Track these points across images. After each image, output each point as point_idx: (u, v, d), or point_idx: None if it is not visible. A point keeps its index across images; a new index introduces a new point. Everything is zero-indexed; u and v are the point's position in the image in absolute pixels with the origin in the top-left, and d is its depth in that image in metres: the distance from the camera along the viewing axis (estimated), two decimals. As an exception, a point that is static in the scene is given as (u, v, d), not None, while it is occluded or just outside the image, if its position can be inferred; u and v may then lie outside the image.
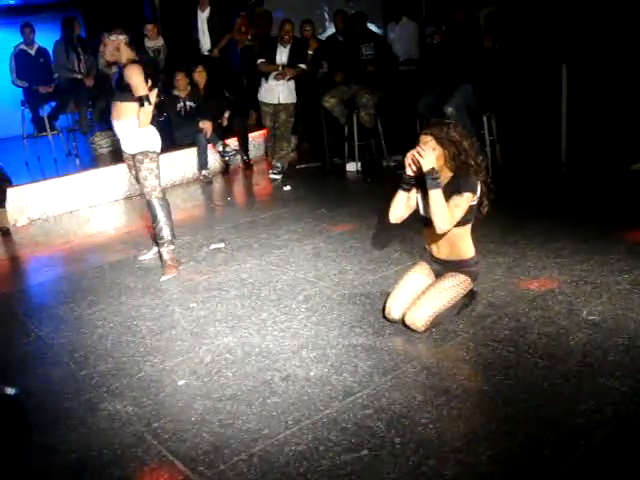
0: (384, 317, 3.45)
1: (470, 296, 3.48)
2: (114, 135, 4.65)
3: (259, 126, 7.95)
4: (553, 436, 2.41)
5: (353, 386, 2.87)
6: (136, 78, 4.23)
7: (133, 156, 4.44)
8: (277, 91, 7.08)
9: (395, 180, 3.48)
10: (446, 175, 3.24)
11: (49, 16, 9.92)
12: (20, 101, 8.28)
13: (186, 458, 2.50)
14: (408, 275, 3.50)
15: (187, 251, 4.96)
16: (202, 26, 8.27)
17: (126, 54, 4.33)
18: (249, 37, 8.29)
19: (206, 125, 7.26)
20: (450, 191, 3.17)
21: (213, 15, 8.23)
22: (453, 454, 2.36)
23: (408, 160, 3.24)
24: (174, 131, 7.39)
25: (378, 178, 6.83)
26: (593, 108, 6.56)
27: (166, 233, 4.51)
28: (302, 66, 7.10)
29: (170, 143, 7.21)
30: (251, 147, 7.97)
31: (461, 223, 3.25)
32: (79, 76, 8.20)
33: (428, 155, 3.12)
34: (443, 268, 3.42)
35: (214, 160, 7.63)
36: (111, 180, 6.89)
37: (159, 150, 4.48)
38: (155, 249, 4.77)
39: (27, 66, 8.06)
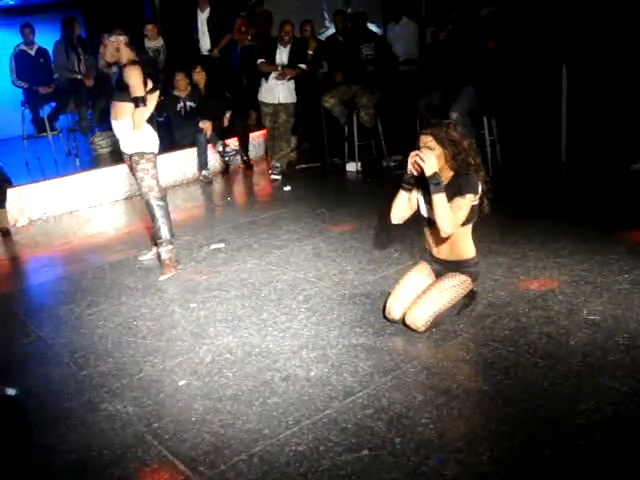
0: (384, 317, 3.45)
1: (470, 296, 3.48)
2: (114, 135, 4.65)
3: (259, 126, 7.95)
4: (553, 436, 2.41)
5: (353, 386, 2.88)
6: (135, 79, 4.23)
7: (130, 156, 4.44)
8: (277, 91, 7.08)
9: (395, 180, 3.48)
10: (447, 175, 3.24)
11: (49, 16, 9.92)
12: (20, 101, 8.29)
13: (186, 458, 2.50)
14: (408, 275, 3.50)
15: (187, 251, 4.96)
16: (202, 26, 8.26)
17: (126, 55, 4.33)
18: (249, 37, 8.29)
19: (206, 125, 7.27)
20: (452, 192, 3.17)
21: (213, 15, 8.22)
22: (453, 454, 2.36)
23: (411, 160, 3.23)
24: (174, 131, 7.40)
25: (378, 178, 6.84)
26: (593, 108, 6.56)
27: (164, 233, 4.51)
28: (302, 66, 7.10)
29: (170, 143, 7.23)
30: (251, 147, 7.98)
31: (462, 223, 3.25)
32: (79, 76, 8.20)
33: (430, 159, 3.11)
34: (443, 268, 3.42)
35: (214, 160, 7.63)
36: (111, 180, 6.89)
37: (156, 151, 4.48)
38: (155, 249, 4.77)
39: (27, 66, 8.06)
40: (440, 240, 3.36)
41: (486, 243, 4.27)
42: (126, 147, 4.44)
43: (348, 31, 7.83)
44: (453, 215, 3.16)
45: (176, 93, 7.43)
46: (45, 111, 8.15)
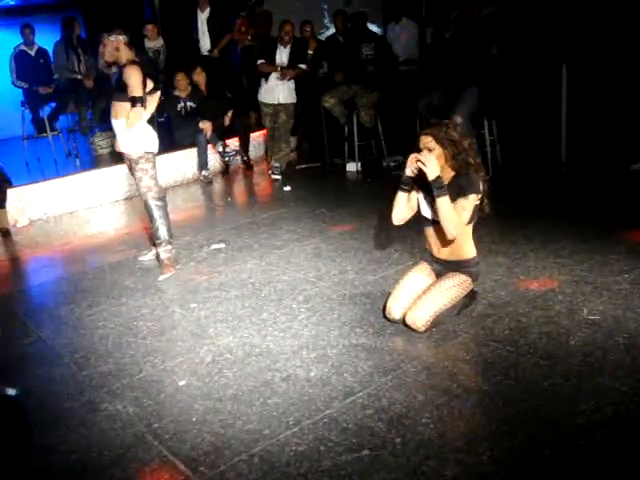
0: (384, 317, 3.45)
1: (470, 296, 3.48)
2: (114, 135, 4.64)
3: (259, 126, 7.95)
4: (553, 436, 2.41)
5: (354, 386, 2.88)
6: (134, 79, 4.23)
7: (130, 156, 4.44)
8: (277, 91, 7.07)
9: (395, 180, 3.48)
10: (447, 175, 3.24)
11: (49, 17, 9.92)
12: (20, 102, 8.28)
13: (187, 458, 2.51)
14: (408, 275, 3.50)
15: (187, 251, 4.97)
16: (202, 26, 8.26)
17: (125, 54, 4.34)
18: (249, 37, 8.28)
19: (206, 125, 7.27)
20: (455, 193, 3.17)
21: (213, 15, 8.22)
22: (453, 454, 2.36)
23: (410, 162, 3.24)
24: (174, 131, 7.40)
25: (378, 178, 6.84)
26: (593, 108, 6.56)
27: (163, 233, 4.52)
28: (302, 66, 7.10)
29: (170, 143, 7.23)
30: (251, 147, 7.98)
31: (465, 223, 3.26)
32: (79, 77, 8.20)
33: (432, 163, 3.11)
34: (444, 268, 3.42)
35: (214, 160, 7.63)
36: (111, 181, 6.89)
37: (156, 151, 4.48)
38: (155, 249, 4.77)
39: (27, 67, 8.06)
40: (440, 240, 3.37)
41: (486, 243, 4.27)
42: (126, 147, 4.44)
43: (348, 31, 7.83)
44: (458, 217, 3.16)
45: (176, 93, 7.43)
46: (45, 111, 8.14)
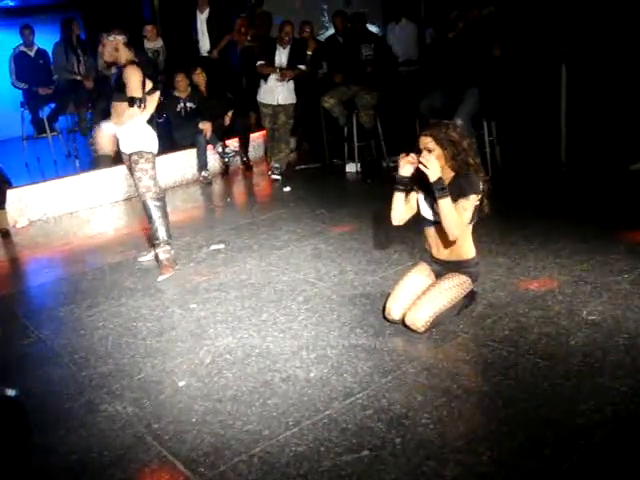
0: (384, 318, 3.45)
1: (470, 296, 3.48)
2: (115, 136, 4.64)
3: (259, 127, 7.95)
4: (553, 436, 2.41)
5: (353, 387, 2.88)
6: (134, 79, 4.24)
7: (130, 156, 4.44)
8: (276, 92, 7.07)
9: (394, 181, 3.47)
10: (447, 175, 3.24)
11: (49, 18, 9.91)
12: (20, 102, 8.28)
13: (187, 459, 2.50)
14: (408, 276, 3.50)
15: (187, 252, 4.97)
16: (201, 27, 8.26)
17: (125, 55, 4.34)
18: (248, 38, 8.29)
19: (206, 126, 7.27)
20: (455, 194, 3.17)
21: (212, 16, 8.22)
22: (453, 454, 2.36)
23: (403, 162, 3.26)
24: (174, 132, 7.40)
25: (378, 179, 6.83)
26: (593, 108, 6.56)
27: (162, 234, 4.52)
28: (301, 67, 7.10)
29: (170, 144, 7.23)
30: (250, 148, 7.98)
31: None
32: (79, 77, 8.20)
33: (433, 165, 3.11)
34: (443, 268, 3.42)
35: (214, 161, 7.63)
36: (111, 181, 6.89)
37: (155, 151, 4.48)
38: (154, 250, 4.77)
39: (27, 68, 8.06)
40: (440, 241, 3.37)
41: (486, 243, 4.27)
42: (125, 146, 4.45)
43: (348, 32, 7.83)
44: (459, 217, 3.16)
45: (176, 94, 7.42)
46: (45, 112, 8.15)
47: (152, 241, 4.66)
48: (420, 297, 3.31)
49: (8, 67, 8.06)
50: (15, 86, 8.14)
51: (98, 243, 5.60)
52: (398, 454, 2.40)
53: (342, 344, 3.28)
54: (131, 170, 4.51)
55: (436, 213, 3.27)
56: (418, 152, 3.23)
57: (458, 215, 3.17)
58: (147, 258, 4.85)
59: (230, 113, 7.64)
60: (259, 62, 7.10)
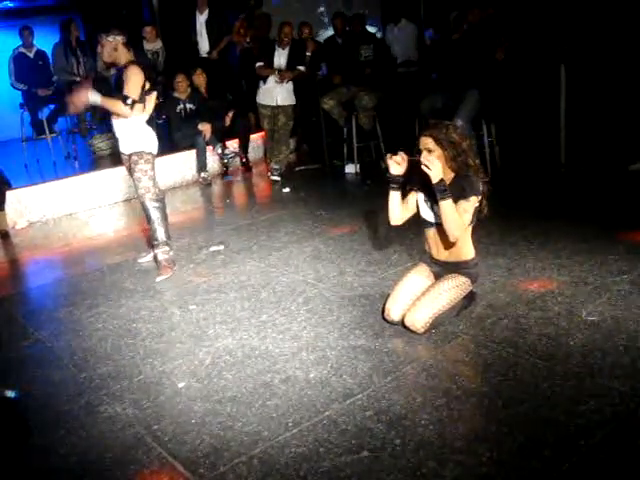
0: (384, 319, 3.45)
1: (470, 297, 3.48)
2: (113, 138, 4.65)
3: (258, 128, 7.95)
4: (553, 437, 2.41)
5: (353, 388, 2.88)
6: (135, 79, 4.23)
7: (129, 156, 4.44)
8: (275, 93, 7.07)
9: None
10: (447, 176, 3.24)
11: (48, 19, 9.93)
12: (19, 104, 8.29)
13: (186, 460, 2.50)
14: (407, 277, 3.50)
15: (186, 253, 4.97)
16: (200, 28, 8.26)
17: (124, 55, 4.33)
18: (248, 39, 8.29)
19: (205, 127, 7.27)
20: (456, 195, 3.17)
21: (211, 17, 8.22)
22: (453, 455, 2.36)
23: (389, 162, 3.30)
24: (173, 133, 7.40)
25: (377, 180, 6.83)
26: (592, 109, 6.56)
27: (161, 235, 4.52)
28: (301, 68, 7.10)
29: (169, 145, 7.23)
30: (250, 149, 7.98)
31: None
32: (78, 79, 8.19)
33: (436, 166, 3.12)
34: (443, 269, 3.42)
35: (213, 162, 7.64)
36: (110, 183, 6.89)
37: (155, 152, 4.48)
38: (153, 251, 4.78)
39: (26, 69, 8.07)
40: (440, 242, 3.37)
41: (485, 244, 4.27)
42: (125, 147, 4.44)
43: (347, 33, 7.84)
44: (459, 218, 3.16)
45: (176, 95, 7.43)
46: (44, 113, 8.15)
47: (151, 242, 4.66)
48: (419, 298, 3.31)
49: (7, 68, 8.08)
50: (14, 87, 8.15)
51: (97, 244, 5.60)
52: (398, 455, 2.40)
53: (342, 345, 3.28)
54: (130, 171, 4.51)
55: (436, 214, 3.28)
56: (418, 152, 3.23)
57: (459, 216, 3.17)
58: (146, 259, 4.85)
59: (230, 114, 7.64)
60: (258, 63, 7.10)
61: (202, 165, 7.33)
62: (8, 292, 4.70)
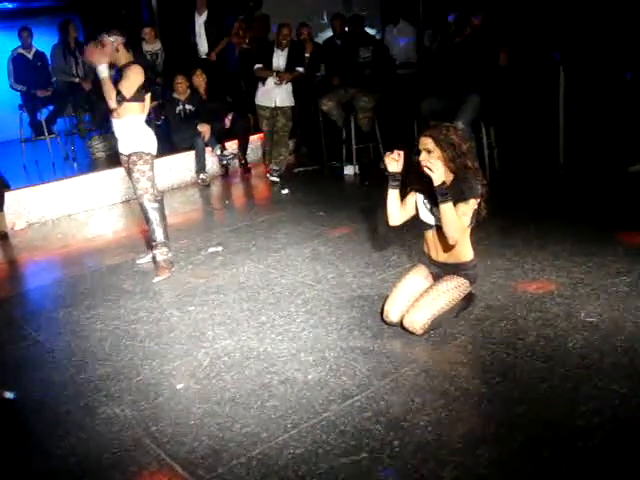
0: (382, 320, 3.45)
1: (468, 299, 3.48)
2: (112, 139, 4.65)
3: (257, 129, 7.95)
4: (552, 438, 2.41)
5: (352, 389, 2.88)
6: (134, 78, 4.24)
7: (128, 156, 4.44)
8: (274, 94, 7.06)
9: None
10: (447, 178, 3.24)
11: (47, 20, 9.92)
12: (18, 105, 8.28)
13: (185, 461, 2.50)
14: (406, 278, 3.50)
15: (185, 254, 4.96)
16: (199, 29, 8.25)
17: (124, 56, 4.34)
18: (246, 41, 8.29)
19: (204, 129, 7.27)
20: (456, 198, 3.17)
21: (210, 19, 8.22)
22: (452, 456, 2.36)
23: (387, 159, 3.32)
24: (172, 134, 7.40)
25: (376, 181, 6.83)
26: (591, 110, 6.57)
27: (159, 235, 4.52)
28: (299, 69, 7.10)
29: (168, 146, 7.23)
30: (249, 150, 7.97)
31: (464, 227, 3.27)
32: (77, 80, 8.21)
33: (439, 169, 3.12)
34: (441, 271, 3.42)
35: (212, 163, 7.63)
36: (109, 184, 6.88)
37: (154, 152, 4.48)
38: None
39: (25, 70, 8.06)
40: (439, 243, 3.37)
41: (484, 246, 4.27)
42: (125, 147, 4.44)
43: (346, 34, 7.85)
44: (459, 221, 3.17)
45: (175, 96, 7.42)
46: (43, 114, 8.15)
47: (150, 243, 4.66)
48: (418, 299, 3.31)
49: (6, 69, 8.07)
50: (13, 88, 8.14)
51: (96, 245, 5.60)
52: (396, 456, 2.40)
53: (340, 346, 3.28)
54: (129, 172, 4.51)
55: (436, 217, 3.28)
56: (417, 153, 3.24)
57: (458, 219, 3.17)
58: (145, 260, 4.85)
59: (230, 116, 7.64)
60: (257, 65, 7.10)
61: (201, 166, 7.33)
62: (7, 293, 4.70)
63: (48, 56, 8.29)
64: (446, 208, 3.13)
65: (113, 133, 4.56)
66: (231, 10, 8.79)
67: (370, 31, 8.61)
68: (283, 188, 6.77)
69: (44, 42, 8.49)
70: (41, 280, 4.86)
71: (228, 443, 2.58)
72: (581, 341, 3.09)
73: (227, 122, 7.61)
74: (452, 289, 3.31)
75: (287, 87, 7.07)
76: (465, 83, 6.11)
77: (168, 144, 7.25)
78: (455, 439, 2.47)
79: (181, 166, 7.45)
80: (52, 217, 6.54)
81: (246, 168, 7.79)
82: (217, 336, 3.55)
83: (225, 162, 7.63)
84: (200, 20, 8.25)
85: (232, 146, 7.73)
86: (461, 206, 3.19)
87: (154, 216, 4.49)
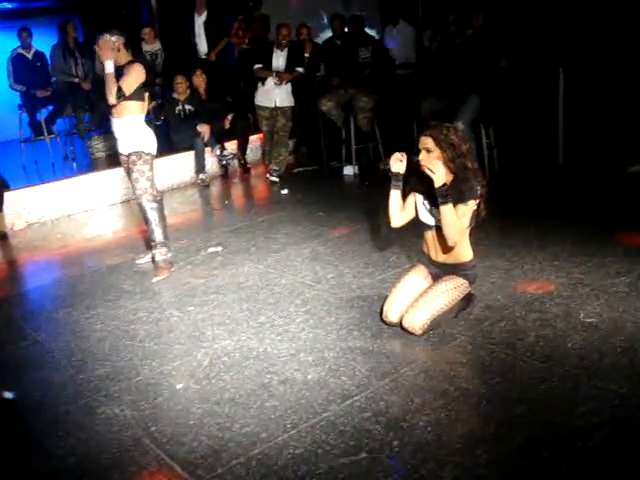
0: (382, 320, 3.45)
1: (468, 299, 3.48)
2: (111, 139, 4.65)
3: (257, 130, 7.95)
4: (551, 438, 2.41)
5: (351, 389, 2.88)
6: (136, 75, 4.24)
7: (128, 156, 4.44)
8: (274, 95, 7.06)
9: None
10: (447, 179, 3.24)
11: (46, 20, 9.92)
12: (17, 105, 8.28)
13: (184, 462, 2.50)
14: (406, 278, 3.50)
15: (184, 255, 4.96)
16: (199, 30, 8.25)
17: (125, 55, 4.35)
18: (246, 41, 8.29)
19: (204, 129, 7.27)
20: (455, 199, 3.18)
21: (210, 19, 8.22)
22: (451, 457, 2.36)
23: (392, 159, 3.34)
24: (172, 134, 7.40)
25: (375, 181, 6.83)
26: (590, 111, 6.57)
27: (158, 235, 4.52)
28: (299, 70, 7.10)
29: (168, 146, 7.23)
30: (248, 151, 7.98)
31: (464, 228, 3.28)
32: (76, 80, 8.21)
33: (440, 170, 3.12)
34: (441, 271, 3.42)
35: (212, 164, 7.64)
36: (108, 184, 6.89)
37: (154, 152, 4.49)
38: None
39: (24, 70, 8.06)
40: (439, 244, 3.37)
41: (484, 246, 4.26)
42: (124, 146, 4.44)
43: (345, 34, 7.85)
44: (458, 222, 3.17)
45: (175, 96, 7.42)
46: (42, 114, 8.15)
47: (149, 243, 4.66)
48: (418, 300, 3.31)
49: (6, 69, 8.07)
50: (13, 88, 8.14)
51: (96, 245, 5.60)
52: (396, 456, 2.39)
53: (340, 346, 3.28)
54: (128, 171, 4.51)
55: (435, 217, 3.28)
56: (417, 152, 3.24)
57: (458, 220, 3.17)
58: (145, 260, 4.85)
59: (230, 117, 7.64)
60: (256, 65, 7.10)
61: (200, 166, 7.33)
62: (6, 293, 4.70)
63: (47, 56, 8.29)
64: (446, 209, 3.13)
65: (113, 133, 4.56)
66: (231, 10, 8.79)
67: (370, 32, 8.61)
68: (283, 188, 6.77)
69: (44, 42, 8.49)
70: (41, 280, 4.86)
71: (228, 443, 2.58)
72: (580, 341, 3.09)
73: (227, 122, 7.62)
74: (451, 289, 3.31)
75: (287, 87, 7.07)
76: (465, 84, 6.11)
77: (168, 144, 7.25)
78: (454, 439, 2.47)
79: (181, 166, 7.45)
80: (51, 217, 6.54)
81: (246, 168, 7.79)
82: (216, 336, 3.55)
83: (225, 162, 7.63)
84: (200, 20, 8.25)
85: (232, 146, 7.74)
86: (460, 207, 3.19)
87: (153, 216, 4.49)
